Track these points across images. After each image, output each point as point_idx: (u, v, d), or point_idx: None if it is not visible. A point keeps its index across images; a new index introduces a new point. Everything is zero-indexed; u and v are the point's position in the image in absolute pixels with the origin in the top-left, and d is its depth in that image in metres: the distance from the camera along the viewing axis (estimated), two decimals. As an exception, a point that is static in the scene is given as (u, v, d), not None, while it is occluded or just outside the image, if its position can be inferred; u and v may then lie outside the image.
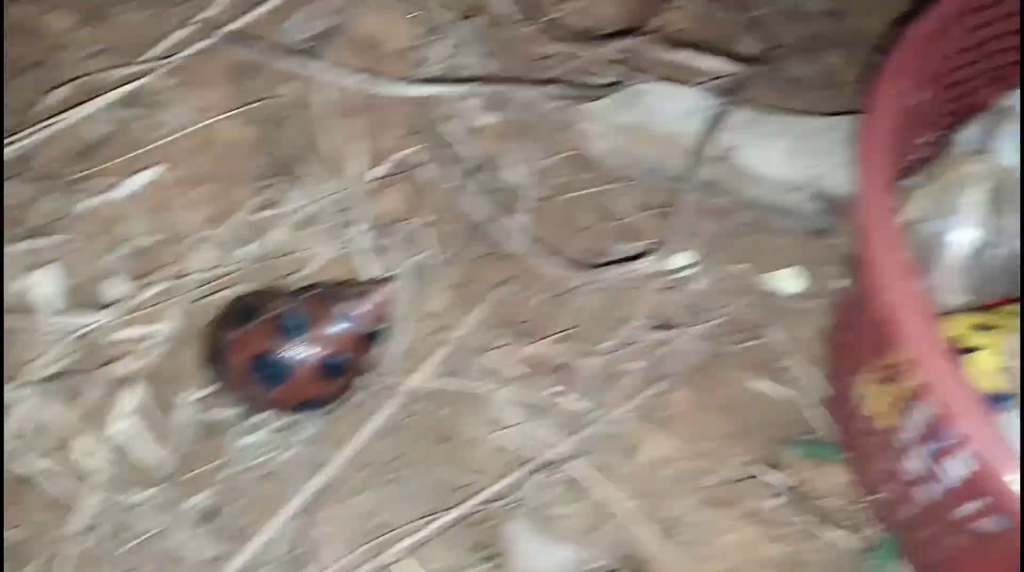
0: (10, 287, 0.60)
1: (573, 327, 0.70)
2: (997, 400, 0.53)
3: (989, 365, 0.55)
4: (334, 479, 0.63)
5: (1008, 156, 0.61)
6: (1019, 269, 0.45)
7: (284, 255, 0.67)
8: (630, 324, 0.70)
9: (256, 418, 0.64)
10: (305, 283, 0.66)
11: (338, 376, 0.61)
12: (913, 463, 0.54)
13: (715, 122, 0.74)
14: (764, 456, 0.66)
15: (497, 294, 0.70)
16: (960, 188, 0.61)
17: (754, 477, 0.65)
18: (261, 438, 0.64)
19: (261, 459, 0.63)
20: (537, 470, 0.64)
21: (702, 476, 0.65)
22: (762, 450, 0.66)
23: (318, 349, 0.60)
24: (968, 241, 0.61)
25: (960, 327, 0.57)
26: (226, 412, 0.64)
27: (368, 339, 0.62)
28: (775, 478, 0.65)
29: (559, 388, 0.67)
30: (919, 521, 0.56)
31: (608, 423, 0.66)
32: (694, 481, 0.65)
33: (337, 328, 0.60)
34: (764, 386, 0.68)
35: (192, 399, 0.63)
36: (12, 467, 0.58)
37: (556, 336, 0.69)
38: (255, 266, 0.66)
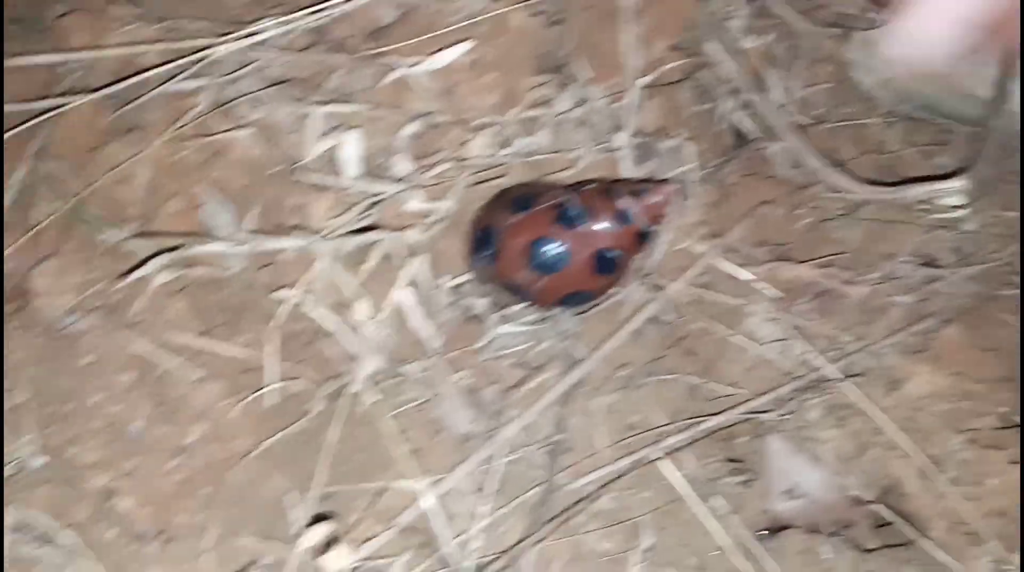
0: (312, 148, 0.61)
1: (836, 254, 0.67)
2: None
3: None
4: (590, 375, 0.62)
5: None
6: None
7: (553, 152, 0.66)
8: (896, 258, 0.67)
9: (515, 308, 0.63)
10: (570, 182, 0.65)
11: (608, 272, 0.60)
12: None
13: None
14: (1036, 404, 0.62)
15: (759, 213, 0.68)
16: None
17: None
18: (519, 328, 0.63)
19: (518, 347, 0.63)
20: (797, 391, 0.62)
21: (970, 417, 0.62)
22: (1034, 398, 0.62)
23: (595, 242, 0.59)
24: None
25: None
26: (485, 300, 0.63)
27: (641, 238, 0.61)
28: (1047, 429, 0.61)
29: (821, 315, 0.64)
30: None
31: (871, 354, 0.64)
32: (961, 421, 0.62)
33: (615, 223, 0.59)
34: (1038, 333, 0.64)
35: (458, 282, 0.62)
36: (301, 320, 0.59)
37: (818, 261, 0.67)
38: (525, 159, 0.65)
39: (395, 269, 0.61)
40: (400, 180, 0.61)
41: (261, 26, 0.64)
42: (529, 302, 0.61)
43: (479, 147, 0.64)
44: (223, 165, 0.63)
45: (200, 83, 0.64)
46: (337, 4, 0.65)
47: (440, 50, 0.62)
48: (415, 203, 0.61)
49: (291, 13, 0.65)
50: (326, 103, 0.62)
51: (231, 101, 0.63)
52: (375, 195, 0.61)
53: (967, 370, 0.63)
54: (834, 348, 0.64)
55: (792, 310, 0.65)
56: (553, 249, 0.59)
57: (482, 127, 0.64)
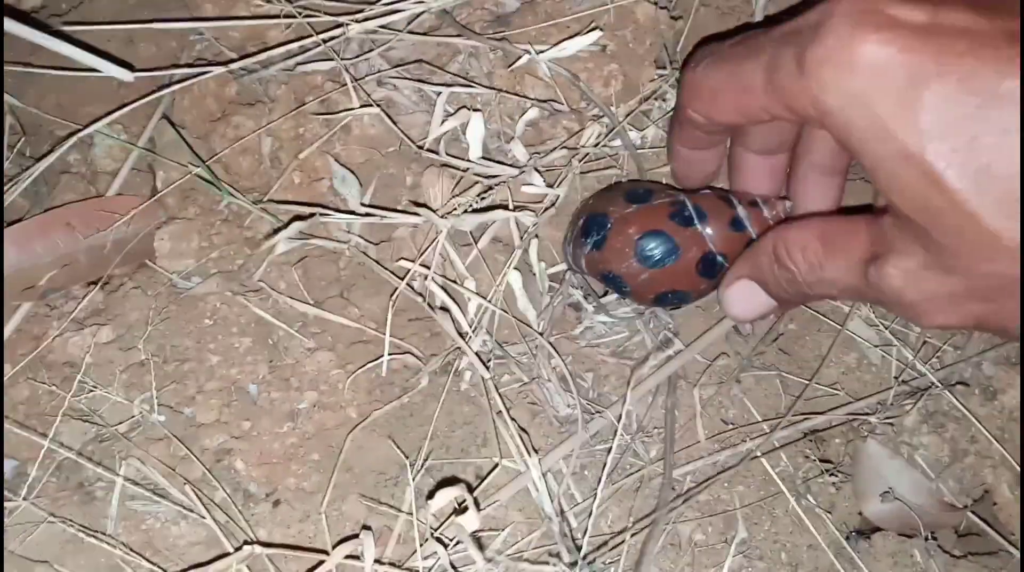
0: (435, 129, 0.60)
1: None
2: None
3: None
4: (687, 368, 0.60)
5: None
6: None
7: (661, 147, 0.65)
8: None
9: (610, 299, 0.62)
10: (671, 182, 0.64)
11: (711, 276, 0.58)
12: None
13: None
14: None
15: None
16: None
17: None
18: (613, 319, 0.62)
19: (615, 337, 0.62)
20: (897, 396, 0.60)
21: (1068, 431, 0.60)
22: None
23: (705, 244, 0.57)
24: None
25: None
26: (581, 290, 0.62)
27: (745, 246, 0.59)
28: None
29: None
30: None
31: (970, 363, 0.62)
32: (1058, 435, 0.60)
33: (729, 228, 0.57)
34: None
35: (557, 270, 0.61)
36: (413, 296, 0.58)
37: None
38: (634, 152, 0.64)
39: (506, 252, 0.60)
40: (517, 165, 0.60)
41: (390, 7, 0.63)
42: (625, 295, 0.60)
43: (592, 137, 0.63)
44: (345, 141, 0.62)
45: (327, 62, 0.63)
46: (459, -11, 0.64)
47: (568, 38, 0.61)
48: (530, 188, 0.60)
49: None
50: (450, 86, 0.61)
51: (356, 80, 0.62)
52: (493, 178, 0.60)
53: (1065, 385, 0.61)
54: (934, 356, 0.62)
55: (890, 316, 0.63)
56: (664, 243, 0.56)
57: (597, 118, 0.63)
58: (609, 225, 0.57)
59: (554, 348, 0.59)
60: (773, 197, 0.58)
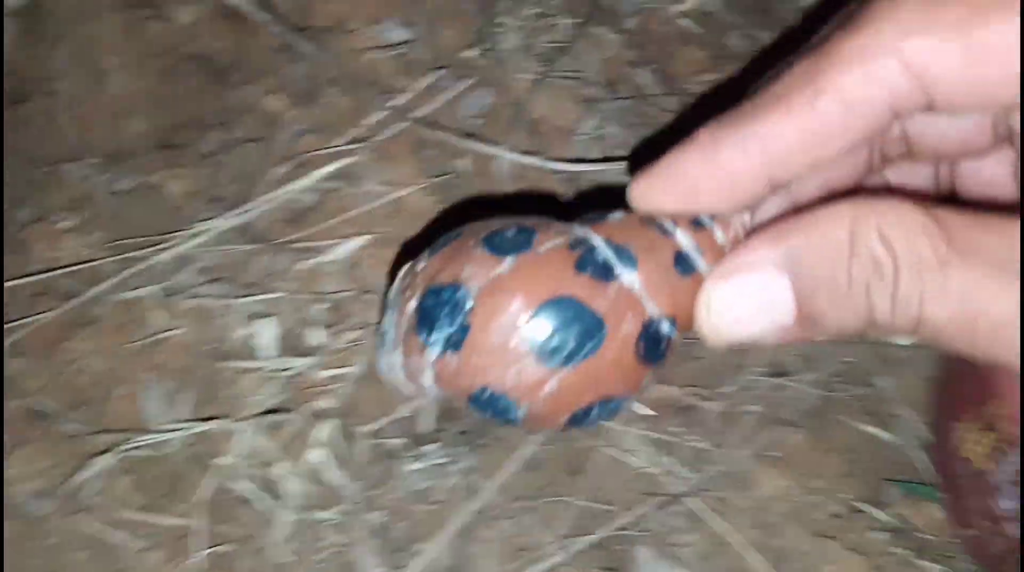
0: (234, 335, 0.62)
1: (696, 374, 0.67)
2: None
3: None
4: (486, 506, 0.62)
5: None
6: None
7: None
8: (748, 371, 0.67)
9: (429, 447, 0.63)
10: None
11: (656, 359, 0.32)
12: (1005, 502, 0.53)
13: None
14: (870, 494, 0.64)
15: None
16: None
17: (860, 512, 0.62)
18: (425, 466, 0.63)
19: (425, 485, 0.63)
20: (663, 503, 0.62)
21: (812, 511, 0.63)
22: (868, 489, 0.64)
23: (641, 307, 0.34)
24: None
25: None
26: (397, 441, 0.63)
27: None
28: (879, 514, 0.62)
29: (684, 428, 0.65)
30: (1009, 555, 0.55)
31: (727, 461, 0.64)
32: (804, 515, 0.62)
33: (676, 269, 0.32)
34: (873, 430, 0.65)
35: (376, 426, 0.63)
36: (228, 487, 0.59)
37: (683, 379, 0.67)
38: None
39: (310, 431, 0.61)
40: (312, 353, 0.62)
41: (198, 228, 0.66)
42: (515, 423, 0.38)
43: (380, 312, 0.65)
44: (162, 351, 0.64)
45: (146, 285, 0.65)
46: (263, 197, 0.66)
47: (347, 237, 0.64)
48: (326, 372, 0.62)
49: (225, 210, 0.66)
50: (247, 293, 0.63)
51: (169, 296, 0.64)
52: (289, 370, 0.62)
53: (809, 469, 0.64)
54: (695, 459, 0.64)
55: (660, 428, 0.65)
56: (576, 318, 0.28)
57: (383, 295, 0.65)
58: (470, 303, 0.29)
59: (369, 505, 0.60)
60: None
